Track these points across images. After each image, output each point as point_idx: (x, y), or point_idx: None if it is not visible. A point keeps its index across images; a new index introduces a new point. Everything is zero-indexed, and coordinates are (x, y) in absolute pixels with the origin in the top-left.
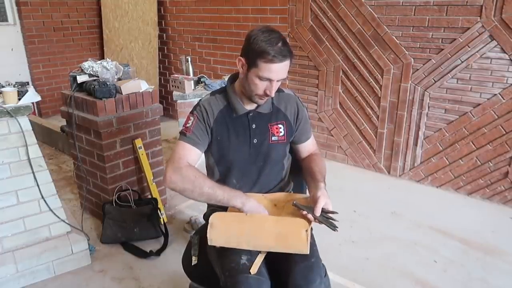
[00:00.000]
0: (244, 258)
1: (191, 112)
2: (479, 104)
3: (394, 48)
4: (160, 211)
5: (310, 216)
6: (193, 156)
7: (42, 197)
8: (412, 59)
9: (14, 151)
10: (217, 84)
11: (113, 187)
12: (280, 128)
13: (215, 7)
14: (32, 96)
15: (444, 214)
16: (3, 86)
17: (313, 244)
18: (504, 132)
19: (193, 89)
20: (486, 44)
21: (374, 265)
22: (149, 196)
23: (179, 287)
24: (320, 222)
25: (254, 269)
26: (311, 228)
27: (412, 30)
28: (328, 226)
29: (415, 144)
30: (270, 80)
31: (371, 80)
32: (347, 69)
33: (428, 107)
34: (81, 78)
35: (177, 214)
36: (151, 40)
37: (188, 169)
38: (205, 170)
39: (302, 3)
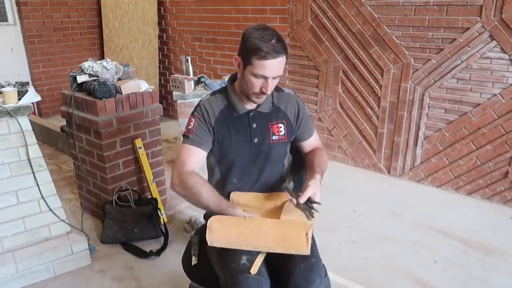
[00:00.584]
0: (244, 258)
1: (192, 114)
2: (479, 104)
3: (394, 48)
4: (160, 211)
5: (294, 200)
6: (198, 157)
7: (42, 197)
8: (412, 59)
9: (14, 151)
10: (217, 84)
11: (113, 187)
12: (281, 127)
13: (215, 7)
14: (32, 96)
15: (444, 214)
16: (3, 86)
17: (313, 245)
18: (504, 132)
19: (193, 89)
20: (486, 44)
21: (374, 265)
22: (149, 196)
23: (179, 287)
24: (301, 209)
25: (254, 269)
26: (312, 229)
27: (412, 30)
28: (305, 214)
29: (415, 144)
30: (265, 77)
31: (371, 80)
32: (347, 69)
33: (428, 107)
34: (81, 78)
35: (177, 214)
36: (151, 40)
37: (188, 176)
38: (206, 170)
39: (302, 3)
